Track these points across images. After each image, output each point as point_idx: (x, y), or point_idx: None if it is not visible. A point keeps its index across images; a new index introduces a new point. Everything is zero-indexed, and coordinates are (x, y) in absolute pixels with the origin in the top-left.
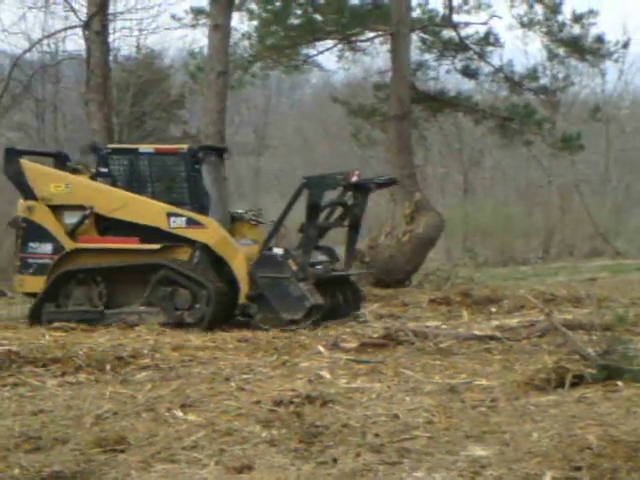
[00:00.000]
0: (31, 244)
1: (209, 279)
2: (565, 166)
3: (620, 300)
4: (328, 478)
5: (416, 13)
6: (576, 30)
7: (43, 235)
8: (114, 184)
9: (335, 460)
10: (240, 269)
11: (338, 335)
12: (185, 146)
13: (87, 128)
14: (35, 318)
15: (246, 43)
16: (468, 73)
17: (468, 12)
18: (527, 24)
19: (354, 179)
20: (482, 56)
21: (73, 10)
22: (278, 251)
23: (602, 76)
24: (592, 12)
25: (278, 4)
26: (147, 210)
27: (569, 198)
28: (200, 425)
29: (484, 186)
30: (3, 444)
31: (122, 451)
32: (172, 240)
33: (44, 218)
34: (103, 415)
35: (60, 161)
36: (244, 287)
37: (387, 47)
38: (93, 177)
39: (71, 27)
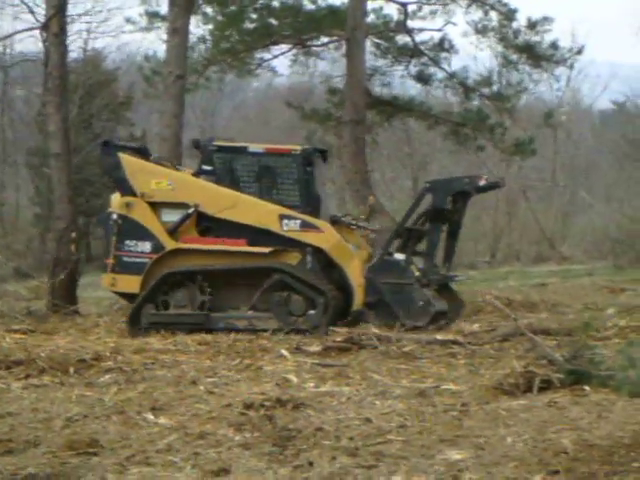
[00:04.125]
0: (128, 242)
1: (326, 285)
2: (513, 171)
3: (574, 305)
4: None
5: (371, 18)
6: (530, 37)
7: (141, 233)
8: (218, 183)
9: (311, 464)
10: (356, 275)
11: (300, 339)
12: (298, 147)
13: (34, 129)
14: (135, 321)
15: (201, 47)
16: (422, 79)
17: (423, 18)
18: (482, 30)
19: (482, 183)
20: (436, 62)
21: (31, 12)
22: (400, 257)
23: (555, 82)
24: (546, 19)
25: (233, 8)
26: (258, 211)
27: (516, 203)
28: (172, 428)
29: None
30: None
31: (95, 454)
32: (282, 243)
33: (143, 215)
34: (73, 418)
35: (142, 156)
36: (359, 293)
37: (341, 52)
38: (194, 174)
39: (29, 29)
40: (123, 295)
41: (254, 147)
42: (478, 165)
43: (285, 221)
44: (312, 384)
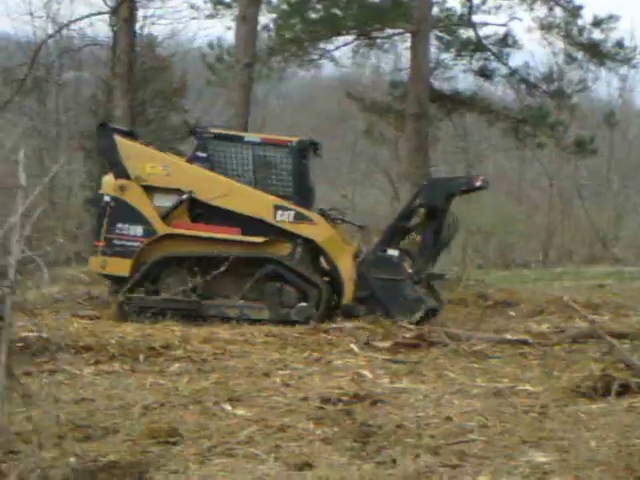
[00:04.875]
0: (119, 225)
1: (319, 278)
2: (567, 170)
3: (637, 308)
4: (391, 479)
5: (434, 11)
6: (596, 34)
7: (134, 216)
8: (212, 170)
9: (394, 461)
10: (347, 269)
11: (368, 334)
12: (295, 138)
13: (87, 112)
14: (125, 304)
15: (265, 35)
16: (484, 74)
17: (487, 12)
18: (546, 27)
19: (478, 184)
20: (499, 57)
21: None
22: (394, 253)
23: (620, 81)
24: (612, 17)
25: None
26: (253, 201)
27: (570, 202)
28: (251, 420)
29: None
30: (53, 432)
31: (175, 443)
32: (275, 234)
33: (137, 199)
34: (150, 406)
35: (133, 139)
36: (349, 287)
37: (406, 45)
38: (188, 160)
39: (99, 13)
40: (112, 278)
41: (250, 136)
42: (532, 162)
43: (279, 212)
44: (387, 380)
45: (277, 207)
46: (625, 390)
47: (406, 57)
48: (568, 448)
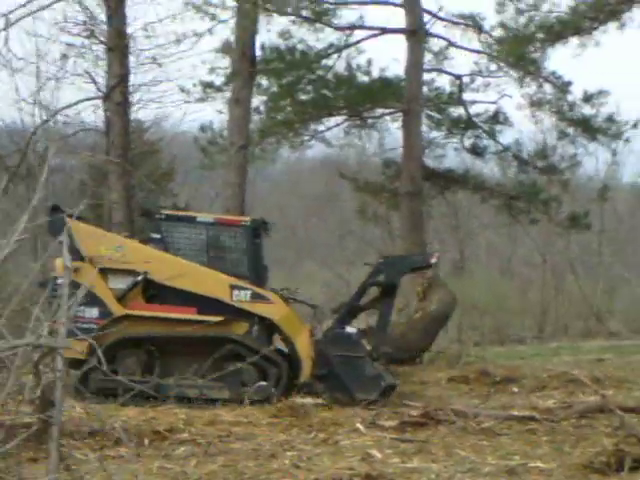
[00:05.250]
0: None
1: (278, 356)
2: (559, 245)
3: (639, 382)
4: None
5: (424, 90)
6: (586, 110)
7: (89, 299)
8: (166, 251)
9: None
10: (305, 346)
11: (372, 413)
12: (248, 218)
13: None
14: (82, 386)
15: (256, 117)
16: (476, 151)
17: (476, 90)
18: (537, 103)
19: (433, 260)
20: (491, 134)
21: (94, 82)
22: (352, 330)
23: (612, 156)
24: (602, 92)
25: (288, 79)
26: (208, 280)
27: (563, 277)
28: None
29: (477, 264)
30: None
31: None
32: (231, 313)
33: (91, 280)
34: None
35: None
36: (307, 365)
37: (396, 125)
38: (143, 241)
39: (92, 98)
40: (69, 361)
41: (203, 217)
42: (522, 239)
43: (236, 291)
44: (396, 460)
45: (233, 287)
46: (638, 465)
47: (392, 136)
48: None
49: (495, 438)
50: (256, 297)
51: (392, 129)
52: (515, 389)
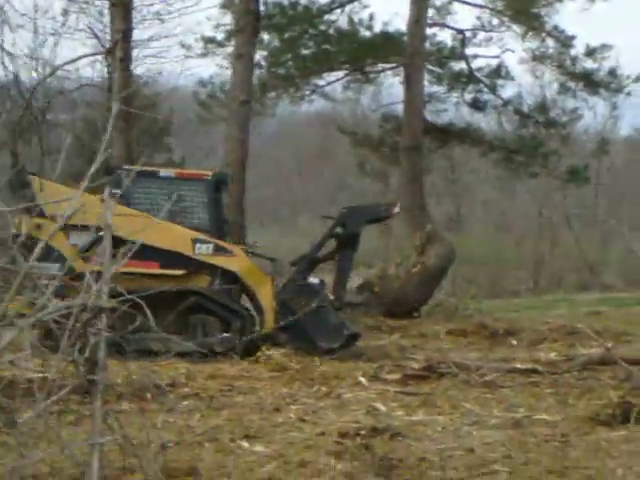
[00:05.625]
0: (37, 264)
1: (242, 308)
2: (555, 199)
3: (638, 334)
4: None
5: (426, 45)
6: (589, 64)
7: (51, 255)
8: (128, 206)
9: None
10: (267, 298)
11: (373, 366)
12: (209, 172)
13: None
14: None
15: (257, 72)
16: (477, 106)
17: (478, 45)
18: (539, 58)
19: (396, 211)
20: (492, 89)
21: (97, 37)
22: (315, 281)
23: (614, 109)
24: (605, 46)
25: (291, 34)
26: (171, 235)
27: (558, 231)
28: (270, 457)
29: (473, 218)
30: (70, 474)
31: None
32: (194, 266)
33: (54, 237)
34: (165, 445)
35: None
36: (270, 316)
37: (399, 79)
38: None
39: (95, 53)
40: None
41: (165, 172)
42: (519, 193)
43: (198, 245)
44: (401, 413)
45: (195, 240)
46: None
47: (387, 91)
48: (595, 477)
49: (498, 391)
50: (218, 250)
51: (387, 84)
52: (514, 342)
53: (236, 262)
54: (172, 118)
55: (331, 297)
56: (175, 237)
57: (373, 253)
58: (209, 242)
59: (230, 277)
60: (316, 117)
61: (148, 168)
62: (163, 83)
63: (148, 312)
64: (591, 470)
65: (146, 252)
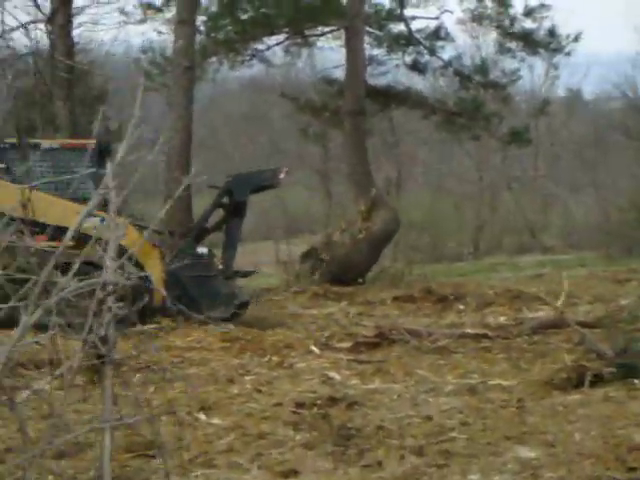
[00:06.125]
0: None
1: (133, 279)
2: (495, 162)
3: (583, 297)
4: None
5: (366, 7)
6: (528, 24)
7: None
8: (13, 181)
9: (380, 463)
10: (156, 269)
11: (324, 334)
12: (92, 141)
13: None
14: None
15: (197, 38)
16: (417, 68)
17: (416, 6)
18: (478, 18)
19: (282, 176)
20: (432, 51)
21: (37, 5)
22: (203, 250)
23: (555, 69)
24: (544, 6)
25: None
26: (55, 208)
27: (499, 194)
28: (228, 428)
29: (413, 182)
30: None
31: (154, 456)
32: (80, 239)
33: None
34: (122, 419)
35: None
36: (160, 288)
37: (339, 42)
38: None
39: (35, 21)
40: None
41: (48, 143)
42: (459, 156)
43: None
44: (356, 381)
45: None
46: (598, 380)
47: (322, 54)
48: (553, 442)
49: (451, 357)
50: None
51: (321, 47)
52: (461, 307)
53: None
54: (108, 86)
55: (220, 266)
56: (60, 211)
57: (315, 219)
58: (95, 215)
59: (118, 249)
60: (249, 82)
61: (31, 140)
62: (98, 51)
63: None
64: (549, 435)
65: (34, 227)
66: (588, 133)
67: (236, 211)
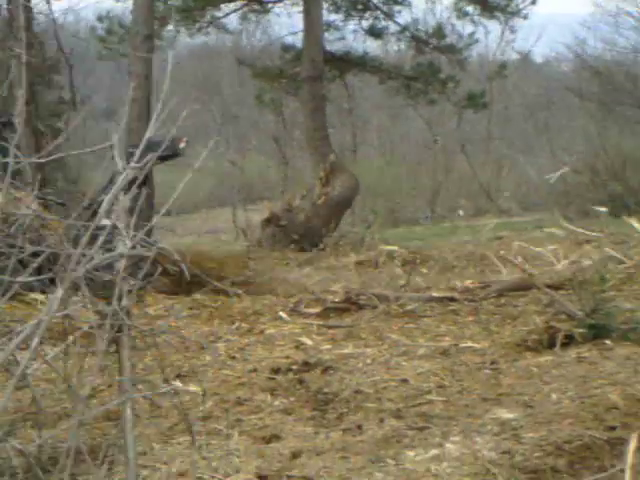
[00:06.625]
0: None
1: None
2: (449, 126)
3: (545, 259)
4: (363, 445)
5: None
6: None
7: None
8: None
9: (360, 427)
10: (59, 242)
11: (291, 300)
12: None
13: None
14: None
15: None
16: (374, 33)
17: None
18: None
19: (182, 146)
20: (389, 16)
21: None
22: (107, 222)
23: (512, 32)
24: None
25: None
26: None
27: (453, 158)
28: (205, 396)
29: (368, 147)
30: (3, 420)
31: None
32: None
33: None
34: (97, 388)
35: None
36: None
37: (298, 8)
38: None
39: None
40: None
41: None
42: (415, 119)
43: None
44: (329, 346)
45: None
46: (569, 341)
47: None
48: (530, 403)
49: (420, 320)
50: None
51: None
52: (425, 270)
53: (24, 208)
54: (61, 55)
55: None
56: None
57: (271, 186)
58: None
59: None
60: (200, 49)
61: None
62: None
63: None
64: (525, 396)
65: None
66: (540, 95)
67: (139, 182)
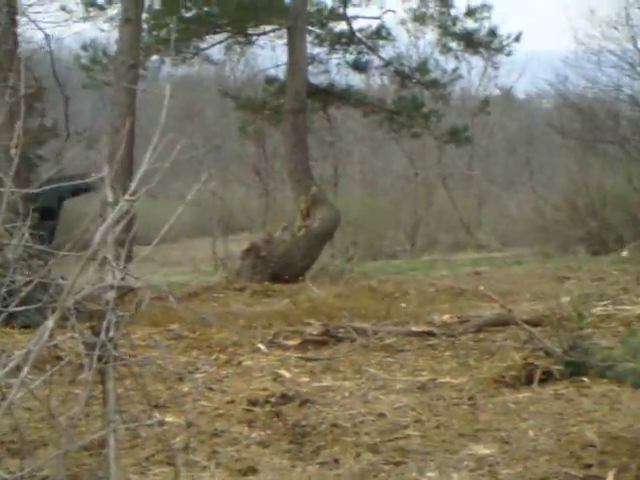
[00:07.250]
0: None
1: None
2: (430, 160)
3: (523, 294)
4: (339, 479)
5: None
6: (469, 24)
7: None
8: None
9: (337, 461)
10: None
11: (270, 332)
12: None
13: None
14: None
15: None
16: (358, 67)
17: (359, 5)
18: (419, 18)
19: (91, 180)
20: (373, 50)
21: None
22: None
23: (495, 69)
24: (485, 6)
25: None
26: None
27: (434, 192)
28: (182, 426)
29: (350, 179)
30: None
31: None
32: None
33: None
34: (75, 417)
35: None
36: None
37: (281, 41)
38: None
39: None
40: None
41: None
42: (397, 153)
43: None
44: (307, 379)
45: None
46: (547, 378)
47: (256, 52)
48: (507, 439)
49: (399, 354)
50: None
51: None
52: (403, 304)
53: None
54: (41, 82)
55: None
56: None
57: (252, 217)
58: None
59: None
60: (181, 80)
61: None
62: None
63: None
64: (503, 432)
65: None
66: (522, 131)
67: (45, 215)
